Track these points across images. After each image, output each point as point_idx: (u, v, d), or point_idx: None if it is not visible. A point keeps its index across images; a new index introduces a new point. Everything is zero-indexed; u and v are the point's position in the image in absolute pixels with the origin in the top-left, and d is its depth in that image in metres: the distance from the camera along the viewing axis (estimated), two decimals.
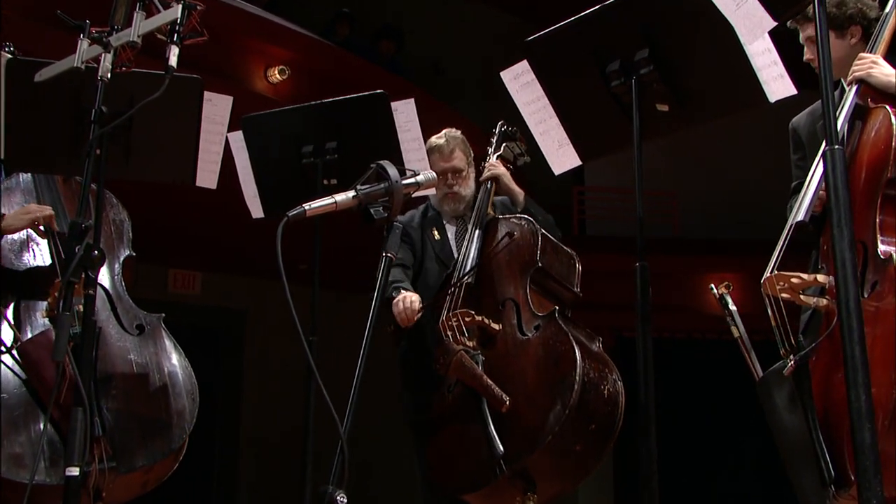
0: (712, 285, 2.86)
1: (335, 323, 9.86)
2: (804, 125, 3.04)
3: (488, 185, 3.55)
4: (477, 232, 3.37)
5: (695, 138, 9.97)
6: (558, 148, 2.78)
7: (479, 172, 3.67)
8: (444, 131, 3.63)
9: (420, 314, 3.23)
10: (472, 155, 3.64)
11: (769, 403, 2.56)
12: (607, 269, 9.17)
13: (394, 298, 3.28)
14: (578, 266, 3.28)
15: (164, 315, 3.23)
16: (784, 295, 2.50)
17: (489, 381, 2.93)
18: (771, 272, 2.52)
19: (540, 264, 3.16)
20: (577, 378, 2.79)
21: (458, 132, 3.64)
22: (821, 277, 2.50)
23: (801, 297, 2.51)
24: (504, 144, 3.69)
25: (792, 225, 2.55)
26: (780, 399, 2.51)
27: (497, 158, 3.65)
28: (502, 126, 3.74)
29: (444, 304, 3.25)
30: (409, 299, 3.25)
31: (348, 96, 3.39)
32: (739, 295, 3.18)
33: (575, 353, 2.84)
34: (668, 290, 8.99)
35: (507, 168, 3.66)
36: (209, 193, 3.47)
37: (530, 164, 3.71)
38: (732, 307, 2.75)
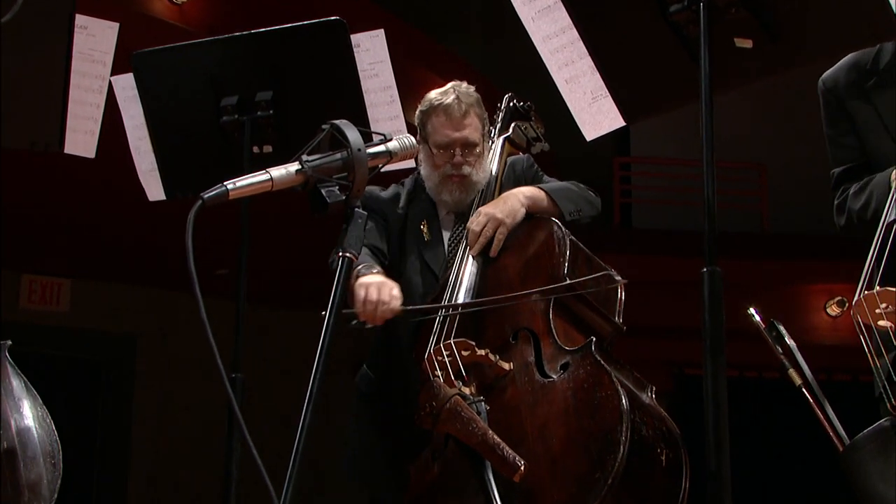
0: (752, 309, 2.87)
1: (269, 352, 9.86)
2: (845, 83, 3.09)
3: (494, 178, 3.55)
4: (471, 259, 3.36)
5: (793, 88, 9.98)
6: (591, 102, 2.81)
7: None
8: (450, 85, 3.58)
9: (396, 316, 3.20)
10: (489, 124, 3.61)
11: (864, 481, 2.58)
12: (662, 278, 9.18)
13: (358, 278, 3.22)
14: (621, 292, 3.30)
15: (9, 342, 3.21)
16: (882, 322, 2.53)
17: (497, 438, 2.94)
18: (862, 292, 2.54)
19: (568, 280, 3.18)
20: (624, 435, 2.80)
21: (472, 89, 3.59)
22: None
23: None
24: (514, 124, 3.69)
25: (882, 227, 2.59)
26: (882, 476, 2.52)
27: (504, 141, 3.65)
28: (511, 100, 3.74)
29: (431, 331, 3.25)
30: (387, 288, 3.21)
31: (289, 25, 3.41)
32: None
33: (621, 399, 2.85)
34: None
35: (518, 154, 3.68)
36: (85, 165, 3.48)
37: (549, 125, 3.72)
38: (789, 341, 2.78)
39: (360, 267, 3.22)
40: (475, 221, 3.32)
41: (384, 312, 3.14)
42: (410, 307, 3.23)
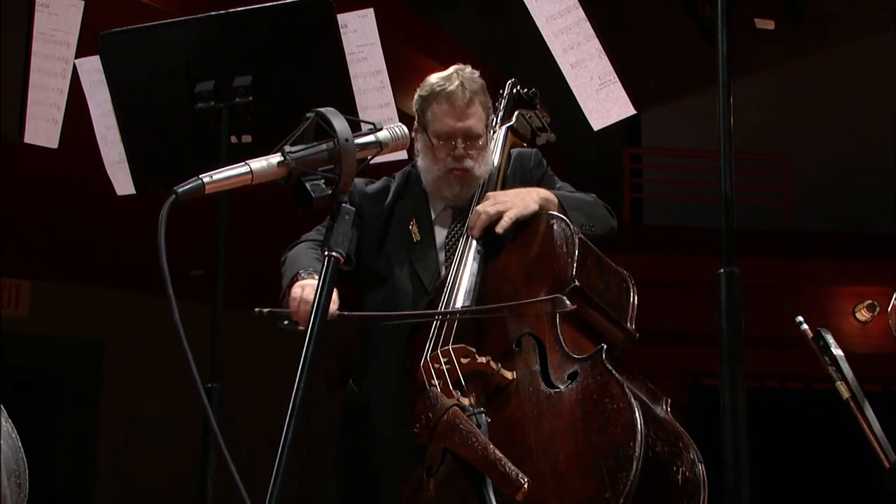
0: (800, 318, 2.89)
1: (249, 359, 9.87)
2: None
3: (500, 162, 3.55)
4: (474, 248, 3.36)
5: (819, 74, 9.98)
6: (599, 88, 2.82)
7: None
8: (453, 69, 3.55)
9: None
10: (492, 112, 3.60)
11: None
12: (675, 279, 9.18)
13: (295, 282, 3.22)
14: (633, 295, 3.29)
15: None
16: None
17: (498, 453, 2.96)
18: None
19: (577, 283, 3.18)
20: (637, 452, 2.80)
21: (476, 74, 3.56)
22: None
23: None
24: (518, 112, 3.68)
25: None
26: None
27: (507, 131, 3.64)
28: (514, 86, 3.73)
29: (427, 337, 3.26)
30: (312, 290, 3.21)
31: (270, 4, 3.41)
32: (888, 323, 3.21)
33: (633, 412, 2.86)
34: (773, 313, 9.06)
35: (521, 146, 3.68)
36: (46, 156, 3.48)
37: (553, 114, 3.72)
38: (837, 351, 2.79)
39: (300, 271, 3.24)
40: (483, 204, 3.32)
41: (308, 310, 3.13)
42: (346, 314, 3.17)
